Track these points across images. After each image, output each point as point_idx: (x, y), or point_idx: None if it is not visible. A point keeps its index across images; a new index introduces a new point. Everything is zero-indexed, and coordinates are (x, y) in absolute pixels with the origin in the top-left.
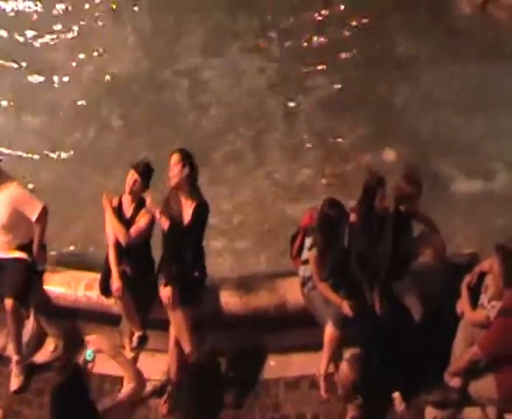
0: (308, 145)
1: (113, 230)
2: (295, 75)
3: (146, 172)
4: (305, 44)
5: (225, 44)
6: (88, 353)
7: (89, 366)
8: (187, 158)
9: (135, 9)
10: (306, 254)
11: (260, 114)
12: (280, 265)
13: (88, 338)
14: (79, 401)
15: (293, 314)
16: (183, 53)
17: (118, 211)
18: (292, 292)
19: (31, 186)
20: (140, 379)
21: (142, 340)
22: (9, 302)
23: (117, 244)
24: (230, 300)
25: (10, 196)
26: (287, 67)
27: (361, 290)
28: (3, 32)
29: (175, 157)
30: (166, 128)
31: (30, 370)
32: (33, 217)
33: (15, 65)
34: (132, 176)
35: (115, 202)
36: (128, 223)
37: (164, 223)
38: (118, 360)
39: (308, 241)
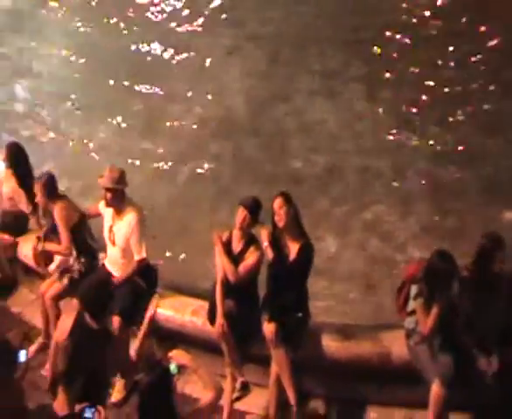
0: (418, 195)
1: (222, 267)
2: (408, 125)
3: (254, 208)
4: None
5: (338, 88)
6: (173, 368)
7: (174, 379)
8: (289, 200)
9: (252, 46)
10: (411, 304)
11: (369, 161)
12: (384, 314)
13: (171, 353)
14: (164, 402)
15: (397, 367)
16: (295, 93)
17: (227, 247)
18: (397, 344)
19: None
20: (219, 390)
21: (245, 387)
22: (116, 320)
23: (224, 279)
24: (331, 345)
25: (130, 225)
26: (400, 116)
27: (470, 352)
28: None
29: (278, 201)
30: (273, 165)
31: (133, 387)
32: (135, 258)
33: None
34: (241, 213)
35: (225, 238)
36: (236, 258)
37: (270, 254)
38: (199, 373)
39: (414, 290)
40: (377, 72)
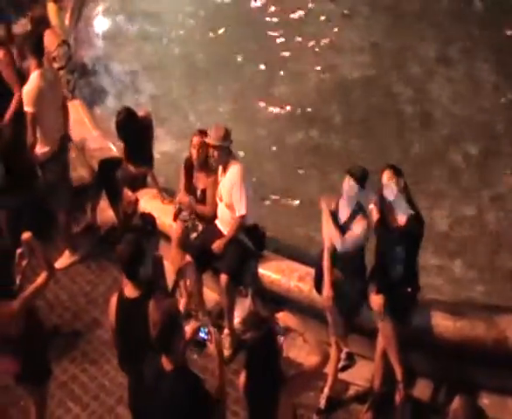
0: None
1: (328, 235)
2: None
3: (362, 177)
4: None
5: (458, 57)
6: (277, 329)
7: (280, 341)
8: (398, 173)
9: (368, 13)
10: None
11: (490, 134)
12: (500, 297)
13: (278, 314)
14: (271, 361)
15: None
16: (413, 61)
17: (334, 215)
18: None
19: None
20: (325, 356)
21: (350, 358)
22: (223, 277)
23: (332, 248)
24: (441, 323)
25: (232, 181)
26: None
27: None
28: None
29: (387, 174)
30: (386, 135)
31: (239, 345)
32: (236, 214)
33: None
34: (348, 181)
35: (332, 206)
36: (343, 227)
37: (375, 215)
38: (305, 337)
39: None
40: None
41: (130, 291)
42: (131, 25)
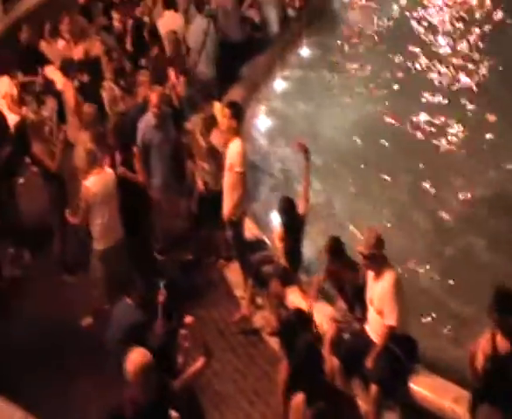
0: None
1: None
2: None
3: (502, 304)
4: None
5: None
6: None
7: None
8: None
9: None
10: None
11: None
12: None
13: None
14: None
15: None
16: None
17: (493, 343)
18: None
19: None
20: None
21: None
22: (373, 388)
23: None
24: None
25: (384, 287)
26: None
27: None
28: None
29: None
30: None
31: None
32: (385, 322)
33: None
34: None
35: (488, 338)
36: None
37: None
38: None
39: None
40: None
41: None
42: (290, 125)
